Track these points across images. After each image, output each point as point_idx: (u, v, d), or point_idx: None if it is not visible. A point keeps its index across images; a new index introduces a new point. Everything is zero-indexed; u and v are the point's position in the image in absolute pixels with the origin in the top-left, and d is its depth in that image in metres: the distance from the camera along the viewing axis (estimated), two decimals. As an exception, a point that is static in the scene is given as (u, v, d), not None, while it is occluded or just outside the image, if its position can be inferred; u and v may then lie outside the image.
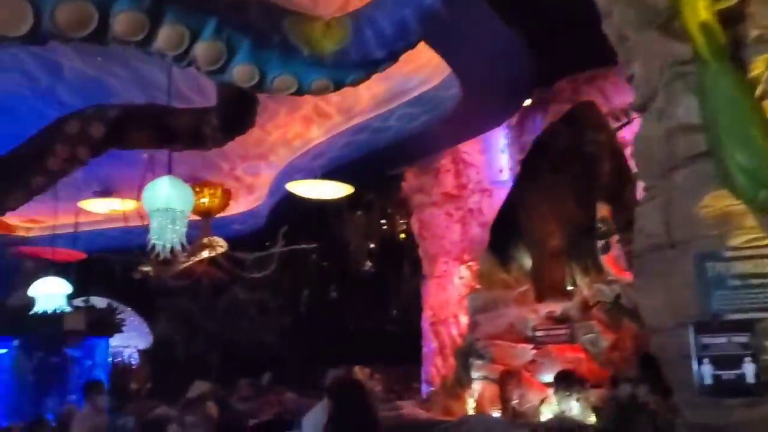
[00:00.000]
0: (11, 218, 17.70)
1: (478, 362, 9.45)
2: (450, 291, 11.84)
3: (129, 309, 16.72)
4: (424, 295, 12.50)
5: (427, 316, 12.32)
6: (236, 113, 4.88)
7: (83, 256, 14.71)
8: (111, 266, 19.74)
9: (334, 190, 9.77)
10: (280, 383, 16.64)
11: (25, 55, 9.17)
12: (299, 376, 18.29)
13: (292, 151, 12.85)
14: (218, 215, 15.86)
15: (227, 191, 10.64)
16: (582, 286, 10.01)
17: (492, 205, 11.60)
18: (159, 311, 18.62)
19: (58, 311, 10.95)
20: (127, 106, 4.47)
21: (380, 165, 11.67)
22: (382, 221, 17.32)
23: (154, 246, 5.84)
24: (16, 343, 11.50)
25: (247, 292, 18.80)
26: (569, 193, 10.29)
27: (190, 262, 12.70)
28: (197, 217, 10.23)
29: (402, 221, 16.15)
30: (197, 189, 10.03)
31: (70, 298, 12.15)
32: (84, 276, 17.60)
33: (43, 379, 11.41)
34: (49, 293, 10.00)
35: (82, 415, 7.56)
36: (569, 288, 10.25)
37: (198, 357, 19.13)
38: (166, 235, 6.06)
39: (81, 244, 17.55)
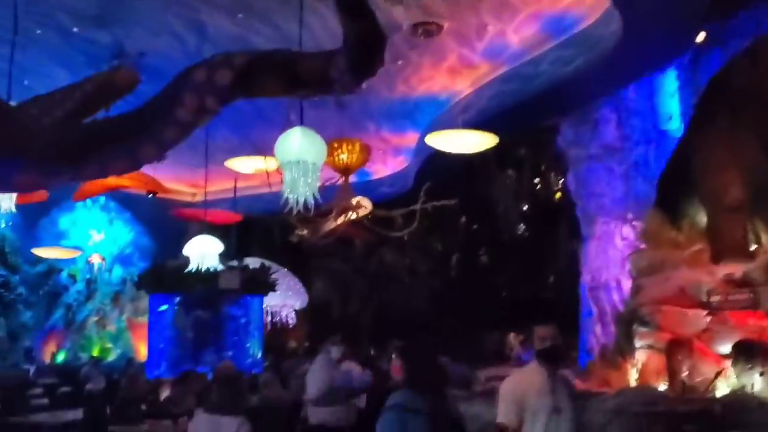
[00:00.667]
0: (176, 184, 18.76)
1: (642, 330, 8.48)
2: (611, 253, 10.84)
3: (285, 270, 17.11)
4: (582, 259, 11.57)
5: (585, 280, 11.40)
6: (364, 54, 4.37)
7: (239, 217, 15.15)
8: (269, 229, 20.48)
9: (477, 140, 9.11)
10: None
11: (171, 17, 9.32)
12: (450, 341, 18.02)
13: (438, 107, 12.32)
14: (367, 177, 15.89)
15: (366, 146, 10.28)
16: (767, 244, 8.73)
17: (660, 157, 10.40)
18: (314, 272, 18.98)
19: (212, 270, 11.25)
20: (254, 51, 4.09)
21: (532, 116, 10.82)
22: (535, 180, 16.34)
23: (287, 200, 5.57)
24: (176, 300, 12.01)
25: (396, 255, 18.67)
26: (751, 138, 8.94)
27: (337, 224, 12.65)
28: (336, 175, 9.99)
29: (557, 179, 15.09)
30: (335, 145, 9.76)
31: (229, 259, 12.52)
32: (243, 238, 18.33)
33: (200, 335, 11.86)
34: (203, 252, 10.24)
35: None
36: (752, 247, 8.96)
37: (352, 318, 19.37)
38: (299, 189, 5.76)
39: (240, 208, 18.22)
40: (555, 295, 18.82)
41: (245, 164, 10.34)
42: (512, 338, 19.47)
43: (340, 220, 12.64)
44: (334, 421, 7.74)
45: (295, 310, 17.11)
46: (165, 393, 9.34)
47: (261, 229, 20.09)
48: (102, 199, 18.19)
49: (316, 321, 18.80)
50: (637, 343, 8.48)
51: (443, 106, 12.28)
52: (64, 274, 16.77)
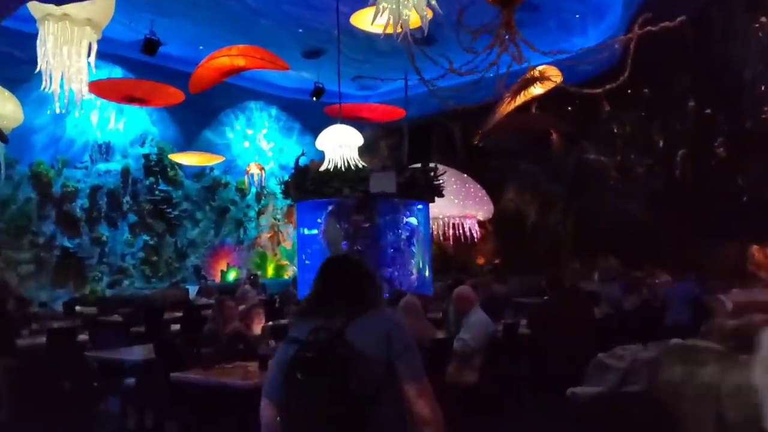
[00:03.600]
0: (345, 89, 16.90)
1: None
2: None
3: (465, 176, 14.63)
4: None
5: None
6: None
7: (403, 112, 12.82)
8: (449, 131, 18.01)
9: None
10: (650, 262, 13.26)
11: None
12: (674, 253, 14.62)
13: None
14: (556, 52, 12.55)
15: None
16: None
17: None
18: (501, 177, 16.22)
19: (360, 169, 9.08)
20: None
21: None
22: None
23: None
24: (327, 210, 10.02)
25: (602, 151, 15.25)
26: None
27: (516, 104, 9.77)
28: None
29: None
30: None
31: (403, 167, 10.24)
32: (419, 143, 16.07)
33: (355, 249, 9.81)
34: (337, 143, 8.04)
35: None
36: None
37: (549, 229, 16.47)
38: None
39: (414, 108, 15.93)
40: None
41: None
42: (756, 251, 15.78)
43: (520, 99, 9.76)
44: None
45: (478, 221, 14.60)
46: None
47: (439, 132, 17.73)
48: (274, 110, 16.84)
49: (506, 234, 16.17)
50: None
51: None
52: (231, 188, 15.69)
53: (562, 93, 13.62)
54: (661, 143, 15.64)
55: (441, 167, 11.14)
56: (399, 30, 3.85)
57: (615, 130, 15.68)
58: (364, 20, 8.17)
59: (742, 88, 13.05)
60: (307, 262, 10.24)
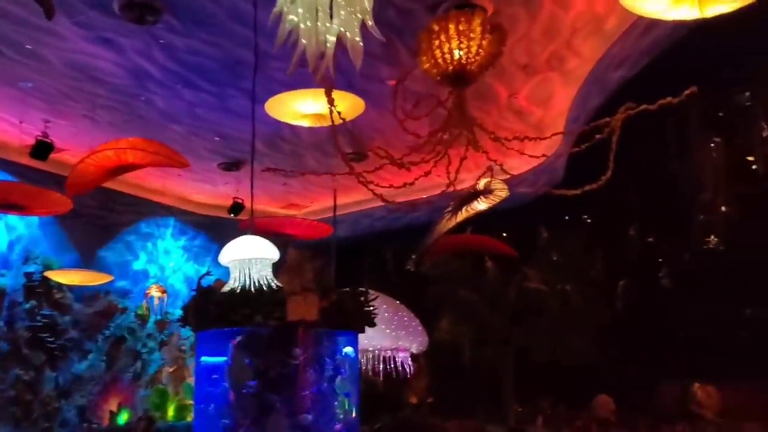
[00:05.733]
0: (269, 205, 15.60)
1: None
2: None
3: (398, 303, 13.24)
4: None
5: None
6: None
7: (330, 229, 11.52)
8: (380, 255, 16.83)
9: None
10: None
11: None
12: (617, 391, 13.66)
13: (605, 40, 8.03)
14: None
15: (499, 27, 5.79)
16: None
17: None
18: (437, 306, 14.89)
19: (272, 291, 7.54)
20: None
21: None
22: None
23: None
24: (233, 341, 8.29)
25: (543, 279, 14.23)
26: None
27: (457, 220, 8.58)
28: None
29: None
30: (434, 27, 5.60)
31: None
32: (347, 267, 14.80)
33: (267, 394, 8.06)
34: (244, 257, 6.54)
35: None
36: None
37: (488, 364, 15.10)
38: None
39: (343, 228, 14.75)
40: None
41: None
42: (698, 390, 14.91)
43: (462, 215, 8.58)
44: None
45: (411, 354, 13.07)
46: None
47: (371, 255, 16.50)
48: (187, 227, 15.27)
49: (441, 369, 14.64)
50: None
51: (614, 35, 7.99)
52: (130, 314, 13.71)
53: (498, 217, 12.54)
54: (602, 273, 14.82)
55: (372, 292, 9.75)
56: (322, 68, 2.51)
57: (555, 258, 14.82)
58: (279, 108, 6.93)
59: (690, 214, 12.44)
60: (210, 407, 8.34)
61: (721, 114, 10.51)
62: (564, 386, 13.97)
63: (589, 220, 14.36)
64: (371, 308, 9.01)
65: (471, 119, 5.43)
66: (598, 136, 5.03)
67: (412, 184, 5.91)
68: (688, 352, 14.87)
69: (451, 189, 6.43)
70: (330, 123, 5.04)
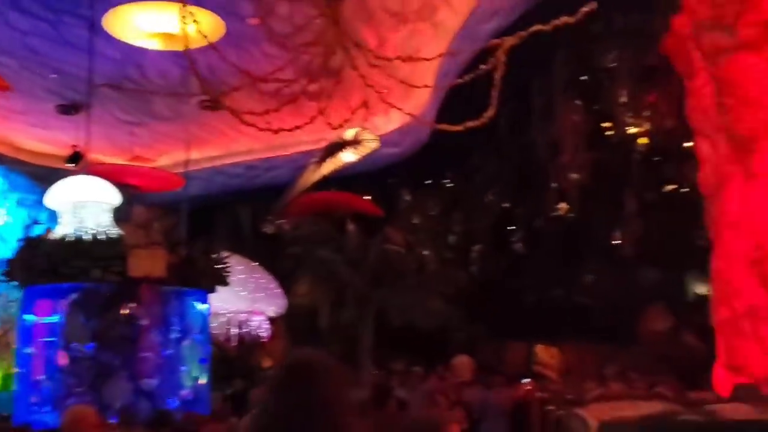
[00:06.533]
0: (111, 156, 14.33)
1: None
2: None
3: (255, 264, 12.69)
4: (723, 213, 7.06)
5: (732, 248, 6.89)
6: None
7: (181, 182, 10.68)
8: (236, 213, 16.04)
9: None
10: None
11: None
12: (467, 354, 13.94)
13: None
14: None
15: None
16: None
17: None
18: (295, 268, 14.41)
19: (113, 241, 6.77)
20: None
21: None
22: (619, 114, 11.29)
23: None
24: (69, 300, 7.39)
25: (404, 242, 14.13)
26: None
27: (323, 173, 8.15)
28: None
29: (671, 100, 10.18)
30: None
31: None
32: (200, 227, 13.97)
33: (104, 358, 7.28)
34: (79, 200, 5.72)
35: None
36: None
37: (347, 327, 14.88)
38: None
39: (196, 185, 13.82)
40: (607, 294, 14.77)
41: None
42: (540, 351, 15.55)
43: (328, 167, 8.14)
44: None
45: (269, 318, 12.62)
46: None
47: (225, 214, 15.67)
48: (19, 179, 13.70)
49: (298, 332, 14.23)
50: None
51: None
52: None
53: (361, 179, 12.16)
54: (461, 236, 14.96)
55: (226, 252, 9.13)
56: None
57: (415, 222, 14.77)
58: (122, 25, 6.07)
59: (545, 181, 12.72)
60: (39, 376, 7.40)
61: (584, 77, 10.72)
62: (420, 348, 14.05)
63: (450, 185, 14.39)
64: (224, 267, 8.42)
65: (347, 36, 4.96)
66: (483, 67, 4.73)
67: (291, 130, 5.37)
68: (534, 315, 15.36)
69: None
70: (183, 45, 4.37)
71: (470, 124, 4.91)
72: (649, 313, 14.36)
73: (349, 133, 7.23)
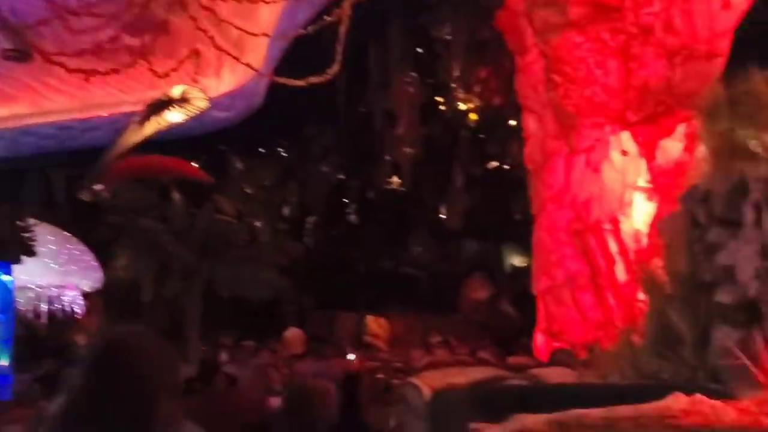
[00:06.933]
0: None
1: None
2: (608, 176, 6.81)
3: (67, 234, 11.65)
4: (547, 186, 7.39)
5: (554, 219, 7.25)
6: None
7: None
8: (47, 178, 14.63)
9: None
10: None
11: None
12: (304, 325, 13.99)
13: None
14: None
15: None
16: None
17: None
18: (114, 238, 13.41)
19: None
20: None
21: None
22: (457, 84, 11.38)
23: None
24: None
25: (235, 211, 13.64)
26: None
27: (146, 134, 7.52)
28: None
29: (500, 76, 10.44)
30: None
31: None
32: (8, 190, 12.65)
33: None
34: None
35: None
36: None
37: (172, 301, 14.15)
38: None
39: (0, 146, 12.46)
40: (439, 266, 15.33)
41: None
42: (371, 322, 15.50)
43: (151, 127, 7.52)
44: None
45: (83, 293, 11.68)
46: None
47: (34, 180, 14.23)
48: None
49: (118, 308, 13.30)
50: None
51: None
52: None
53: (190, 144, 11.52)
54: (295, 207, 14.72)
55: (33, 220, 8.22)
56: None
57: (247, 191, 14.28)
58: None
59: (380, 153, 12.77)
60: None
61: (420, 49, 10.80)
62: (252, 322, 13.77)
63: (284, 154, 14.06)
64: (30, 235, 7.57)
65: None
66: (327, 18, 4.48)
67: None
68: (364, 286, 15.54)
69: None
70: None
71: (313, 79, 4.67)
72: (471, 283, 15.04)
73: (175, 91, 6.68)
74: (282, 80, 5.29)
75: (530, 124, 7.77)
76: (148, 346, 1.68)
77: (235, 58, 5.64)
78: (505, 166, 13.50)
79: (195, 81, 7.64)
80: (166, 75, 5.48)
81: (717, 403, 2.86)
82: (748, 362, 3.22)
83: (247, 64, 6.95)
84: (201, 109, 6.84)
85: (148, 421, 1.57)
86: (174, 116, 7.06)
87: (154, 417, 1.57)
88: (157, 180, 11.84)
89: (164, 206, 13.00)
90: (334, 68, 4.75)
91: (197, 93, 6.93)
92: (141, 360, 1.62)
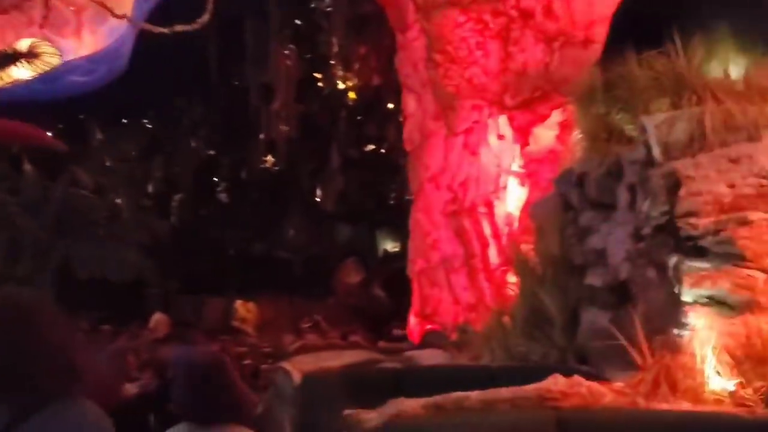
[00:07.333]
0: None
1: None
2: (485, 159, 6.80)
3: None
4: (425, 167, 7.30)
5: (431, 201, 7.18)
6: None
7: None
8: None
9: None
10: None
11: None
12: (162, 309, 13.35)
13: None
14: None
15: None
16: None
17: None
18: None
19: None
20: None
21: None
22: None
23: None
24: None
25: (94, 185, 12.74)
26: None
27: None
28: None
29: (378, 55, 10.19)
30: None
31: None
32: None
33: None
34: None
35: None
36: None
37: (22, 280, 13.08)
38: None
39: None
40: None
41: None
42: (240, 306, 15.13)
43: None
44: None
45: None
46: None
47: None
48: None
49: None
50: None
51: None
52: None
53: (44, 110, 10.78)
54: (160, 183, 13.94)
55: None
56: None
57: (108, 164, 13.37)
58: None
59: (254, 130, 12.28)
60: None
61: (299, 21, 10.40)
62: (112, 305, 13.01)
63: (150, 126, 13.22)
64: None
65: None
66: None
67: None
68: (234, 269, 15.08)
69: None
70: None
71: (179, 27, 4.27)
72: (344, 267, 14.95)
73: (22, 44, 5.97)
74: (147, 26, 4.82)
75: (410, 103, 7.67)
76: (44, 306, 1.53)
77: (102, 4, 5.08)
78: (382, 150, 13.45)
79: (44, 29, 6.90)
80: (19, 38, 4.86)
81: (594, 384, 2.84)
82: (621, 343, 3.20)
83: (111, 11, 6.33)
84: (52, 66, 6.15)
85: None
86: (20, 72, 6.32)
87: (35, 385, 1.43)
88: (6, 148, 10.80)
89: (14, 177, 11.96)
90: (204, 17, 4.37)
91: (48, 48, 6.24)
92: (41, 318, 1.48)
